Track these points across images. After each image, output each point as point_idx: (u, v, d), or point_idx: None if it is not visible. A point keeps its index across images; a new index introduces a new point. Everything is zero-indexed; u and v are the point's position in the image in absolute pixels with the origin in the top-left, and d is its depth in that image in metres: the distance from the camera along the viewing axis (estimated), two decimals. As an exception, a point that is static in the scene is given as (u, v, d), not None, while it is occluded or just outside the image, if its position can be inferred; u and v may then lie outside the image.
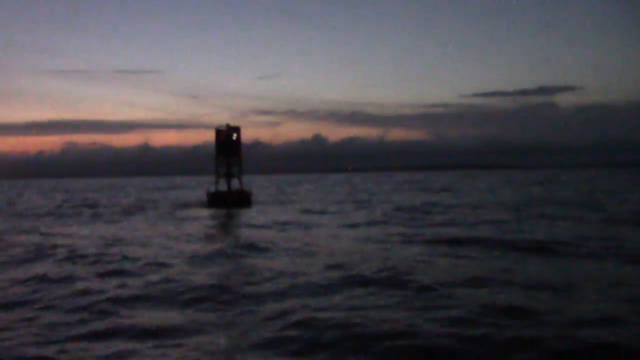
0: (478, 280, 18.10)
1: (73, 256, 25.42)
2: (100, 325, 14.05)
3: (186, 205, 65.48)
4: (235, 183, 66.13)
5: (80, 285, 18.73)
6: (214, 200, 63.59)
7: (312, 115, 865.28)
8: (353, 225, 37.70)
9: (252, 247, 27.07)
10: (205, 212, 54.33)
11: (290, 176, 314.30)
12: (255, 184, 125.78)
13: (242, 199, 63.47)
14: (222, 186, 65.24)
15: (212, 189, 65.22)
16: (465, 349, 11.66)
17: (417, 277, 18.57)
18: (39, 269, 22.26)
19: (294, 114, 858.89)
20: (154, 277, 19.86)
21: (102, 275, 20.54)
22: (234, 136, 65.70)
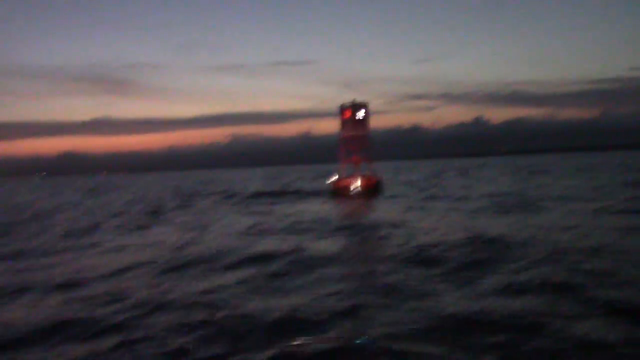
0: None
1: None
2: None
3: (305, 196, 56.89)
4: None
5: None
6: (336, 190, 54.32)
7: (469, 97, 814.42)
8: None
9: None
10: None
11: (452, 160, 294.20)
12: (408, 170, 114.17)
13: (370, 188, 53.08)
14: (349, 173, 55.71)
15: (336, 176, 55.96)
16: None
17: None
18: None
19: (450, 97, 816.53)
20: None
21: None
22: (361, 114, 55.06)
